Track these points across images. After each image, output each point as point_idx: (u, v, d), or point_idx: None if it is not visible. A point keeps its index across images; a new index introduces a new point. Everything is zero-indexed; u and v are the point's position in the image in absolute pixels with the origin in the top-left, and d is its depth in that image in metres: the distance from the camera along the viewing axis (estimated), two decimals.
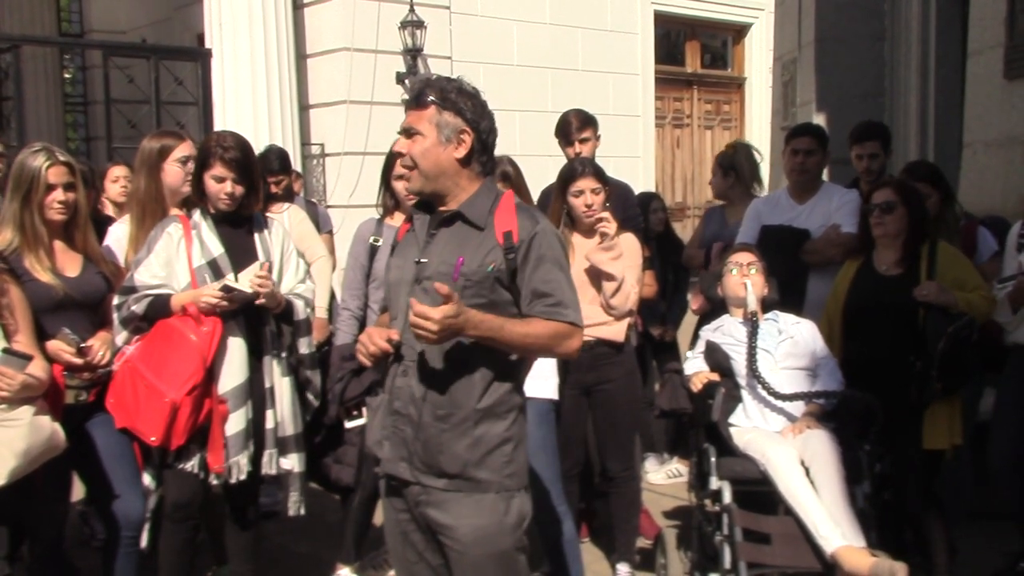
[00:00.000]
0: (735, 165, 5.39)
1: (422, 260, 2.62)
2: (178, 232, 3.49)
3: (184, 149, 3.74)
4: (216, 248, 3.49)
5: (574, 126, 4.64)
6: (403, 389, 2.62)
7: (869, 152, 4.93)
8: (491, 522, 2.57)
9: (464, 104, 2.60)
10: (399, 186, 3.97)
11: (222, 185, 3.46)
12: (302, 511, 3.69)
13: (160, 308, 3.41)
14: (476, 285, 2.55)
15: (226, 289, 3.34)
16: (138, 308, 3.41)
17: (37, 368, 3.03)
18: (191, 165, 3.61)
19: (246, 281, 3.43)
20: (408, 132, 2.63)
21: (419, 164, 2.61)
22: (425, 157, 2.60)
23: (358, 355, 2.67)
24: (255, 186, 3.60)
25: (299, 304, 3.61)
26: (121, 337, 3.44)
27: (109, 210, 4.86)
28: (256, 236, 3.60)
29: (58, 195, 3.31)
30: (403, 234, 2.78)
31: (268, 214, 3.90)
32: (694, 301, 5.15)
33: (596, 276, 3.92)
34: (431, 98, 2.60)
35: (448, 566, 2.64)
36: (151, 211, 3.70)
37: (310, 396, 3.72)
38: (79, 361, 3.28)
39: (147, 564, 3.54)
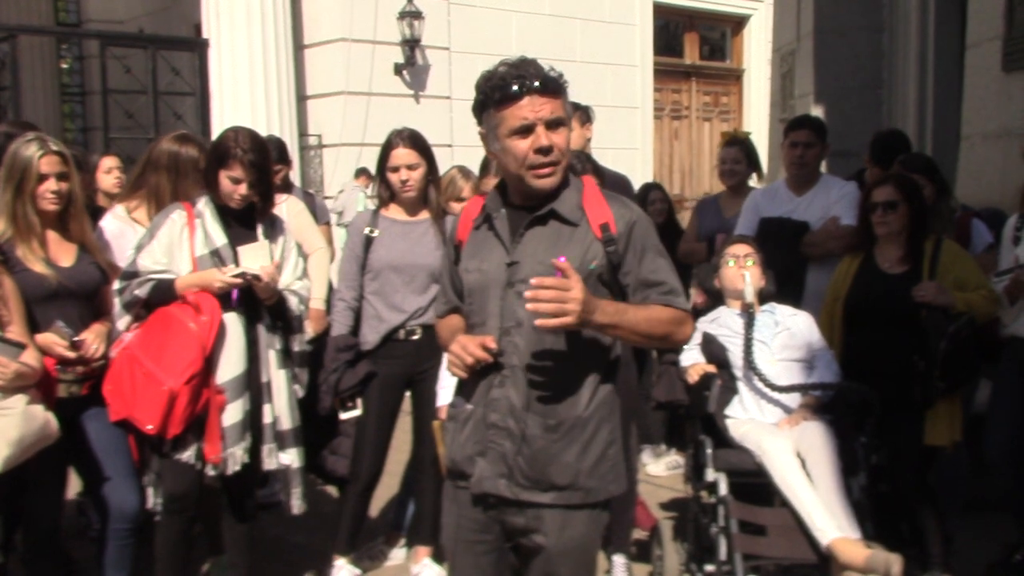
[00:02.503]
0: (750, 152, 5.43)
1: (514, 262, 2.41)
2: (181, 219, 3.47)
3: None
4: (219, 238, 3.47)
5: None
6: (500, 400, 2.41)
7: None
8: (583, 533, 2.48)
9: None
10: (394, 177, 3.95)
11: (237, 187, 3.43)
12: (304, 508, 3.68)
13: (164, 292, 3.39)
14: None
15: (242, 275, 3.35)
16: (141, 292, 3.38)
17: (31, 357, 3.03)
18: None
19: (250, 257, 3.41)
20: (557, 123, 2.36)
21: (564, 161, 2.39)
22: (568, 152, 2.40)
23: (451, 369, 2.43)
24: (269, 188, 3.57)
25: (292, 300, 3.58)
26: (123, 322, 3.42)
27: (101, 200, 4.84)
28: (259, 228, 3.59)
29: (51, 185, 3.28)
30: (467, 234, 2.54)
31: None
32: (697, 295, 5.12)
33: None
34: (563, 82, 2.38)
35: (524, 565, 2.53)
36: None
37: (296, 387, 3.69)
38: (71, 355, 3.26)
39: (143, 555, 3.53)
